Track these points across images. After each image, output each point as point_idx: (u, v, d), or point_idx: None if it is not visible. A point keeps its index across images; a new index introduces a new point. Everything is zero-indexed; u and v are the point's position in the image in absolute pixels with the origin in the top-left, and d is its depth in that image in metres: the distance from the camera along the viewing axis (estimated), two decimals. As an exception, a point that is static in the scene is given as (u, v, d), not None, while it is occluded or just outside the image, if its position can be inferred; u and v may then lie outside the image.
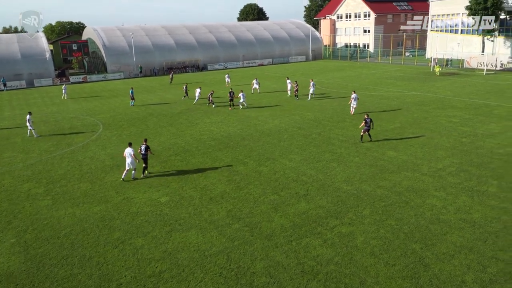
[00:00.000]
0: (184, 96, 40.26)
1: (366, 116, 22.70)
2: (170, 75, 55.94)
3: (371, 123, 22.70)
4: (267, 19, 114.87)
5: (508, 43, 63.93)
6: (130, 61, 66.15)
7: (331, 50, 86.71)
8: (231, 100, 34.16)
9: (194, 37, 73.75)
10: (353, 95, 29.69)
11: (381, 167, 18.87)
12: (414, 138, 23.27)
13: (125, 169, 18.62)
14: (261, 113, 31.90)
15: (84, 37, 75.43)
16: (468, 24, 68.15)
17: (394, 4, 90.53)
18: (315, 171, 18.73)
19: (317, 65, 71.32)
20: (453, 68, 57.84)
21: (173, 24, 78.11)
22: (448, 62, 61.21)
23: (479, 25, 60.54)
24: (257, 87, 41.74)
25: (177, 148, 23.33)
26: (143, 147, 18.46)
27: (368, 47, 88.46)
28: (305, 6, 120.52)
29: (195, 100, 37.21)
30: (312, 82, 37.22)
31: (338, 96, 38.29)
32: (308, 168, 19.22)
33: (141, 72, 66.06)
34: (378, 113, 29.95)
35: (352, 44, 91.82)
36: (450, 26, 72.65)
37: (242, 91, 34.31)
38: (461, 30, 70.62)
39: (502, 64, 53.72)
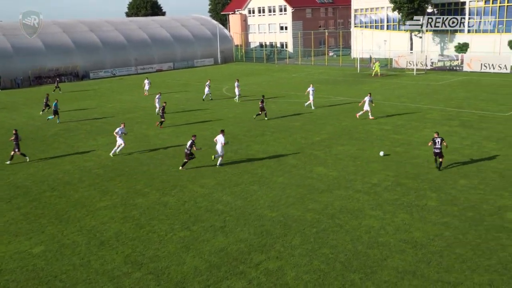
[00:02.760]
0: (43, 110, 39.32)
1: (436, 135, 20.95)
2: (56, 83, 55.82)
3: (443, 143, 20.64)
4: (164, 14, 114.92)
5: (437, 39, 71.28)
6: (-19, 69, 61.31)
7: (243, 51, 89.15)
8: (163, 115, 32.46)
9: (70, 37, 70.89)
10: (367, 98, 31.78)
11: (309, 187, 19.65)
12: (344, 151, 24.67)
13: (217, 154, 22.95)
14: (162, 130, 31.53)
15: None
16: (394, 19, 74.83)
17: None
18: (233, 197, 18.91)
19: (228, 69, 72.74)
20: (382, 69, 62.76)
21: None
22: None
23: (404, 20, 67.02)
24: (238, 93, 41.53)
25: (53, 181, 22.03)
26: (189, 142, 22.36)
27: (286, 47, 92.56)
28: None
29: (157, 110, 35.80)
30: (311, 88, 37.53)
31: (256, 105, 39.27)
32: (224, 194, 19.35)
33: (-3, 83, 61.49)
34: (303, 124, 31.31)
35: (268, 43, 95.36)
36: (375, 22, 79.11)
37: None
38: (387, 26, 77.26)
39: (432, 63, 59.65)
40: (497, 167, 21.04)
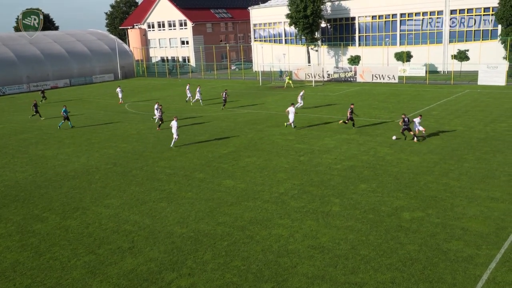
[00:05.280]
0: (33, 115, 40.41)
1: (403, 116, 28.06)
2: (41, 94, 56.20)
3: (409, 122, 27.76)
4: (57, 28, 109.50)
5: (331, 52, 75.24)
6: None
7: (145, 66, 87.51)
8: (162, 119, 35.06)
9: (-50, 54, 65.03)
10: (417, 120, 28.04)
11: (218, 200, 19.64)
12: (251, 162, 25.03)
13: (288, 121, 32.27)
14: (60, 150, 29.84)
15: None
16: (291, 34, 77.88)
17: (212, 11, 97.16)
18: (141, 216, 18.34)
19: (130, 85, 70.94)
20: (282, 81, 64.92)
21: None
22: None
23: (301, 34, 70.28)
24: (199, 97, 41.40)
25: None
26: (349, 110, 31.37)
27: (188, 61, 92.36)
28: (106, 13, 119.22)
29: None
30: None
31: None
32: (131, 213, 18.72)
33: None
34: (209, 137, 31.31)
35: (169, 58, 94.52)
36: (274, 36, 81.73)
37: None
38: (285, 40, 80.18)
39: (329, 75, 62.75)
40: (391, 170, 22.55)
